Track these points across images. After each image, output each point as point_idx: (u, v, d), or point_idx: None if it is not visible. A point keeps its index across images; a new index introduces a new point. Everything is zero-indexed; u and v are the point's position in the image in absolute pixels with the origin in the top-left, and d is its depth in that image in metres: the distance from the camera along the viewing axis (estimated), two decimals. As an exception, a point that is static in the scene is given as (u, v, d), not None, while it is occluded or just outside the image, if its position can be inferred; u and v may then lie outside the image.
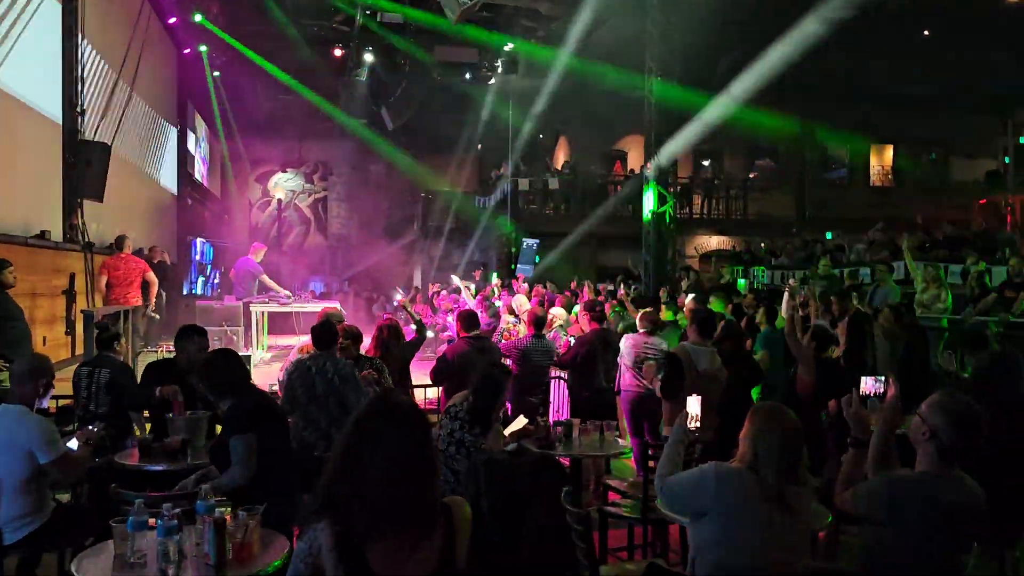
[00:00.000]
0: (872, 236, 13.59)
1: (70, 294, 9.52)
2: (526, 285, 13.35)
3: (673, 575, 3.00)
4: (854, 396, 3.24)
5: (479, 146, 21.46)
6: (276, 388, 7.28)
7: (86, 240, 10.14)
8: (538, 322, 6.70)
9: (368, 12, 14.69)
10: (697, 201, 20.64)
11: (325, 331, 5.29)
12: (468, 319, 6.57)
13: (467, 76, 17.09)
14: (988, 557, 3.13)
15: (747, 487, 2.80)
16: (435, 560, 1.92)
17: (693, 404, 3.63)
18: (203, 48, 15.48)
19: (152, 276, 9.80)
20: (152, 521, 2.74)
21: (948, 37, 15.71)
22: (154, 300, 9.93)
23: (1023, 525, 3.34)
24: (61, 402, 5.85)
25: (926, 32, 15.72)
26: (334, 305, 9.84)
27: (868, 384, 3.33)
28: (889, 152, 22.78)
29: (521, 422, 5.44)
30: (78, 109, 10.20)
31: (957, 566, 2.88)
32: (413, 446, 1.93)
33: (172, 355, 5.31)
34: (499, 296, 11.68)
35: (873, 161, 22.75)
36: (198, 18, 14.02)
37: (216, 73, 16.88)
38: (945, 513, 2.82)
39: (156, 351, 8.36)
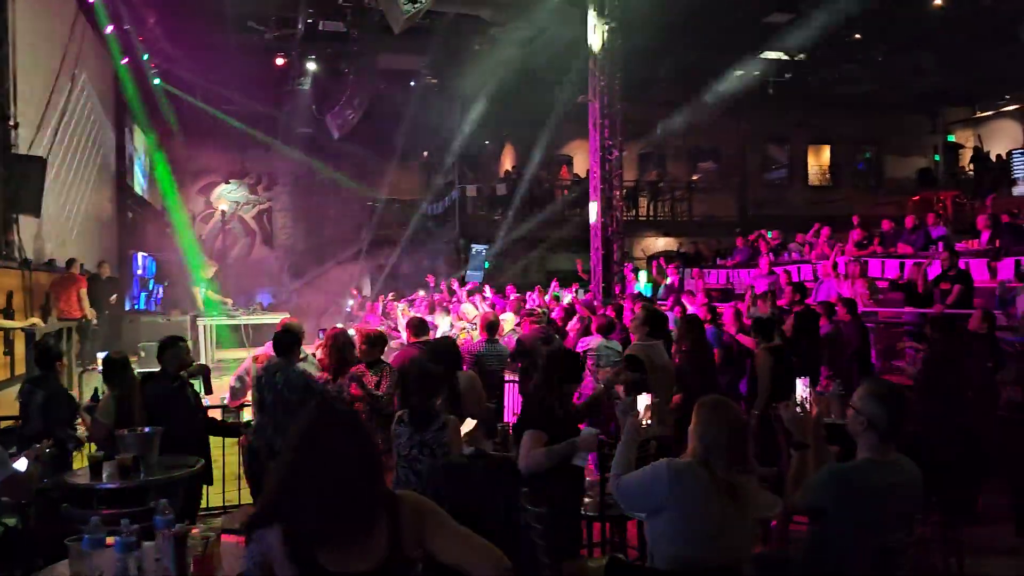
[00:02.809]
0: (812, 238, 13.94)
1: (7, 312, 9.25)
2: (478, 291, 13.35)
3: (634, 568, 3.06)
4: (791, 402, 3.35)
5: (425, 154, 21.44)
6: (226, 399, 7.26)
7: (23, 257, 9.86)
8: (491, 327, 6.75)
9: (310, 21, 14.59)
10: (643, 203, 20.92)
11: (284, 339, 5.40)
12: (417, 326, 6.59)
13: (411, 84, 17.07)
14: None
15: (699, 480, 2.89)
16: (383, 551, 2.00)
17: (642, 403, 3.68)
18: (145, 57, 15.16)
19: (84, 292, 10.48)
20: (109, 539, 2.71)
21: (878, 39, 16.23)
22: (87, 311, 10.49)
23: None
24: (1, 423, 5.73)
25: (857, 36, 16.20)
26: (284, 316, 9.76)
27: (801, 388, 3.44)
28: (826, 152, 23.41)
29: (471, 424, 5.47)
30: (11, 122, 9.91)
31: (899, 544, 3.02)
32: (357, 449, 2.02)
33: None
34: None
35: (811, 161, 23.36)
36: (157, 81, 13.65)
37: (156, 81, 16.55)
38: (887, 496, 2.96)
39: (92, 369, 8.22)
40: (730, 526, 2.89)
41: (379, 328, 7.54)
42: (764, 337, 5.94)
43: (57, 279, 10.46)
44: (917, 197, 20.10)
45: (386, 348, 6.24)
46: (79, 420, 5.66)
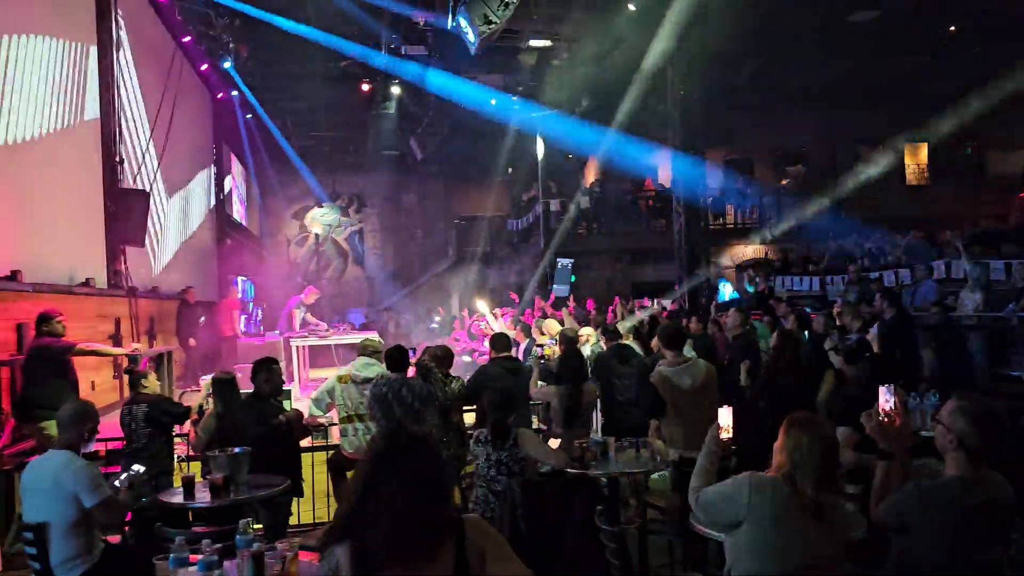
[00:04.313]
0: (911, 240, 13.39)
1: (116, 339, 9.78)
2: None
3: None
4: (873, 411, 3.22)
5: (509, 170, 21.62)
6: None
7: (130, 285, 10.43)
8: (569, 341, 6.74)
9: (393, 46, 14.97)
10: (730, 211, 20.51)
11: (396, 355, 5.77)
12: (499, 341, 6.64)
13: (492, 102, 17.26)
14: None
15: (783, 497, 2.82)
16: (449, 574, 2.03)
17: (724, 415, 3.60)
18: (235, 93, 15.88)
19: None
20: (194, 557, 2.84)
21: (973, 30, 15.51)
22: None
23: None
24: (109, 444, 6.08)
25: (952, 28, 15.53)
26: (371, 334, 10.01)
27: (884, 397, 3.29)
28: (923, 150, 22.42)
29: (555, 443, 5.53)
30: (117, 159, 10.51)
31: (994, 565, 2.88)
32: (428, 471, 2.07)
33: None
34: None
35: (907, 159, 22.41)
36: (227, 64, 14.39)
37: (248, 116, 17.30)
38: (977, 515, 2.83)
39: (199, 391, 8.62)
40: (814, 545, 2.81)
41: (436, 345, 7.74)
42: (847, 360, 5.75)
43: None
44: (1023, 194, 19.03)
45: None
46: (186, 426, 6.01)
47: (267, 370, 5.53)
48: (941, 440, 2.95)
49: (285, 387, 9.33)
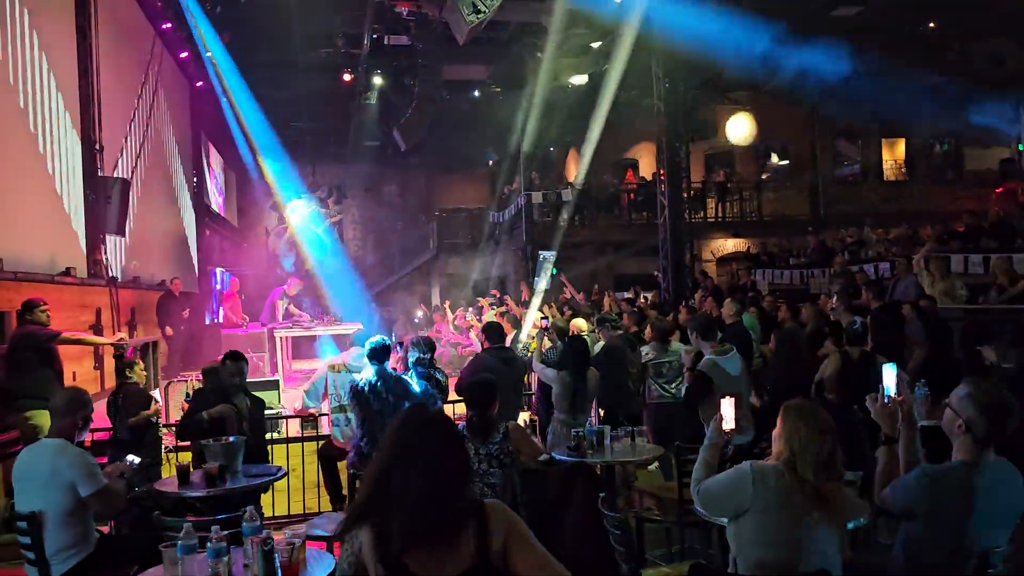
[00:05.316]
0: (895, 235, 13.52)
1: (97, 328, 9.63)
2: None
3: (716, 574, 3.01)
4: (878, 394, 3.22)
5: (490, 162, 21.58)
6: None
7: (110, 275, 10.28)
8: (561, 333, 6.74)
9: (375, 36, 14.85)
10: (711, 204, 20.61)
11: (379, 347, 5.58)
12: (493, 331, 6.60)
13: (475, 94, 17.20)
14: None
15: (784, 484, 2.82)
16: (470, 558, 2.01)
17: (727, 407, 3.58)
18: (216, 82, 15.68)
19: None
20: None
21: (952, 27, 15.69)
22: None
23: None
24: (96, 435, 5.99)
25: (931, 24, 15.69)
26: (357, 326, 9.95)
27: (890, 377, 3.28)
28: (901, 146, 22.67)
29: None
30: (96, 147, 10.34)
31: (1000, 550, 2.90)
32: (448, 453, 2.06)
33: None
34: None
35: (885, 155, 22.64)
36: (209, 54, 14.19)
37: (229, 103, 17.07)
38: (984, 500, 2.84)
39: (185, 381, 8.54)
40: (817, 532, 2.81)
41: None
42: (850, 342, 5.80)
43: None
44: (1000, 189, 19.31)
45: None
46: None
47: (221, 365, 5.50)
48: (948, 424, 2.96)
49: (272, 378, 9.31)
